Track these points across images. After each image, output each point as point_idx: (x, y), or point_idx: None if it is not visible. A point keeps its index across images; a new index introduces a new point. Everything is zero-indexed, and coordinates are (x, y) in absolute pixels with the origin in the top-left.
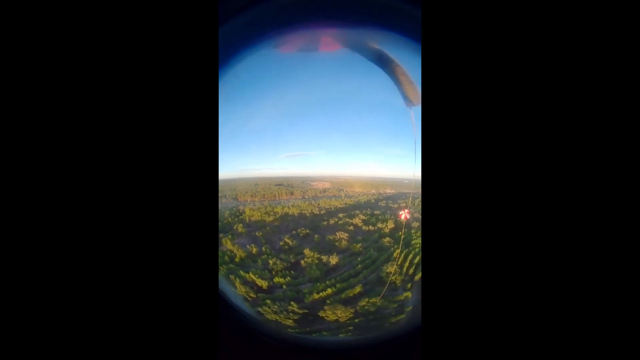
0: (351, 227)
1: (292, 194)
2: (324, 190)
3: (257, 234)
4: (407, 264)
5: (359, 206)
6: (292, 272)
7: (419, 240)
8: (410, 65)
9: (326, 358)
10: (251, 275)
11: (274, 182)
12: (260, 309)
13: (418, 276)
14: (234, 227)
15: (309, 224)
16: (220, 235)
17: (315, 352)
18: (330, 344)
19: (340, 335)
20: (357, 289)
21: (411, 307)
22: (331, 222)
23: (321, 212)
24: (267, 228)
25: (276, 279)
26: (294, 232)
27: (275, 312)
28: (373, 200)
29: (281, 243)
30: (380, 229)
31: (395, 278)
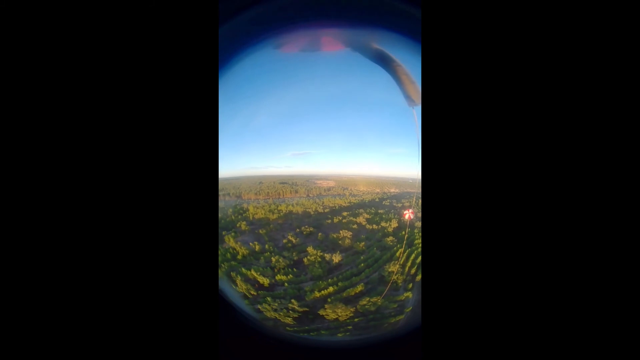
0: (355, 226)
1: (296, 192)
2: (329, 189)
3: (260, 231)
4: (409, 264)
5: (363, 205)
6: (295, 269)
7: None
8: (412, 65)
9: (325, 358)
10: (253, 272)
11: (278, 181)
12: (260, 307)
13: (419, 276)
14: (237, 225)
15: (313, 222)
16: (223, 232)
17: (315, 352)
18: (328, 344)
19: (339, 334)
20: (359, 288)
21: (411, 308)
22: (335, 220)
23: (325, 211)
24: (271, 226)
25: (278, 277)
26: (297, 230)
27: (275, 310)
28: (377, 199)
29: (284, 241)
30: (384, 228)
31: (397, 278)
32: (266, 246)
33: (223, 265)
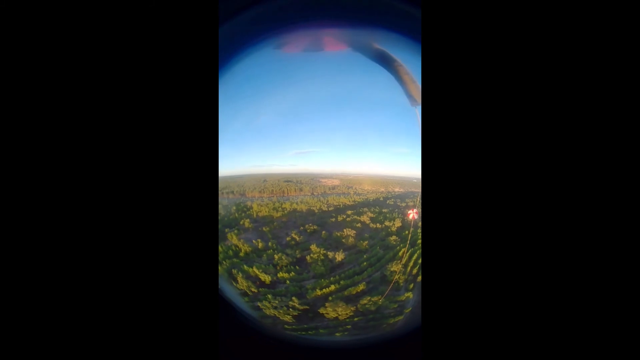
0: (359, 225)
1: (301, 190)
2: (333, 187)
3: (264, 229)
4: (411, 264)
5: (367, 204)
6: (297, 267)
7: None
8: (412, 65)
9: (325, 358)
10: (255, 269)
11: (283, 179)
12: (259, 304)
13: (421, 277)
14: (241, 223)
15: (317, 220)
16: (226, 230)
17: (315, 352)
18: (328, 344)
19: (337, 334)
20: (361, 287)
21: (410, 308)
22: (339, 218)
23: (329, 209)
24: (275, 223)
25: (280, 274)
26: (301, 228)
27: (275, 308)
28: (381, 199)
29: (288, 238)
30: (388, 227)
31: (399, 277)
32: (269, 244)
33: (224, 263)
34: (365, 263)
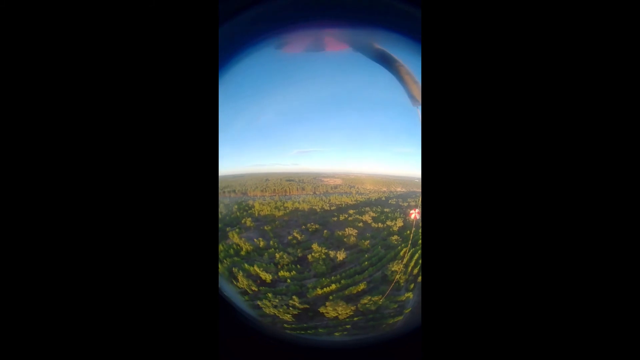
0: (360, 224)
1: (303, 189)
2: (335, 187)
3: (265, 228)
4: (412, 264)
5: (369, 203)
6: (299, 266)
7: None
8: (413, 65)
9: (325, 358)
10: (256, 268)
11: (285, 178)
12: (259, 302)
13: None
14: (242, 222)
15: (319, 219)
16: (227, 228)
17: (315, 352)
18: (329, 344)
19: (336, 334)
20: (361, 286)
21: (410, 309)
22: (341, 218)
23: (332, 208)
24: (277, 222)
25: (281, 273)
26: (303, 227)
27: (275, 306)
28: (384, 198)
29: (289, 237)
30: (389, 226)
31: (400, 277)
32: (271, 242)
33: (225, 261)
34: (366, 262)
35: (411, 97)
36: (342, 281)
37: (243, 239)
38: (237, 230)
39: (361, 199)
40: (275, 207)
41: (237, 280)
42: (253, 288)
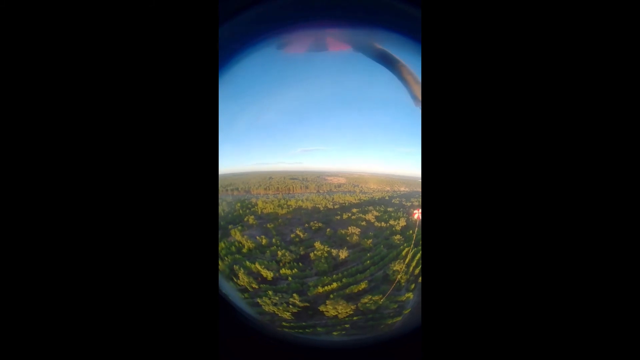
0: (363, 223)
1: (306, 187)
2: (339, 186)
3: (268, 225)
4: (414, 264)
5: (372, 202)
6: (300, 264)
7: None
8: (413, 65)
9: (325, 358)
10: (257, 265)
11: (288, 176)
12: (259, 300)
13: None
14: (245, 219)
15: (322, 217)
16: (230, 226)
17: (315, 352)
18: (329, 344)
19: (334, 333)
20: (362, 285)
21: (409, 309)
22: (344, 216)
23: (335, 207)
24: (280, 220)
25: (283, 271)
26: (306, 225)
27: (275, 304)
28: (387, 197)
29: (292, 235)
30: (392, 226)
31: (401, 277)
32: (273, 240)
33: (227, 259)
34: (368, 261)
35: (413, 97)
36: (344, 280)
37: (245, 236)
38: (239, 227)
39: (365, 198)
40: (279, 205)
41: (238, 278)
42: (253, 285)
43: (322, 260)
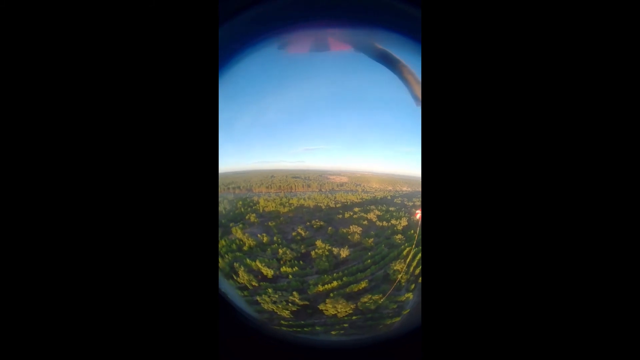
0: (365, 222)
1: (308, 186)
2: (341, 185)
3: (270, 223)
4: (414, 264)
5: (374, 202)
6: (301, 262)
7: None
8: (414, 65)
9: (325, 358)
10: (257, 263)
11: (291, 175)
12: (258, 298)
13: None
14: (247, 217)
15: (324, 216)
16: (231, 224)
17: (315, 352)
18: (329, 344)
19: (333, 332)
20: (363, 284)
21: (408, 310)
22: (346, 215)
23: (337, 206)
24: (281, 218)
25: (283, 269)
26: (308, 223)
27: (274, 302)
28: (389, 197)
29: (294, 234)
30: (394, 225)
31: (401, 277)
32: (274, 238)
33: (227, 256)
34: (369, 260)
35: (414, 97)
36: (344, 278)
37: (246, 234)
38: (240, 225)
39: (367, 197)
40: (280, 204)
41: (238, 276)
42: (253, 283)
43: (323, 259)
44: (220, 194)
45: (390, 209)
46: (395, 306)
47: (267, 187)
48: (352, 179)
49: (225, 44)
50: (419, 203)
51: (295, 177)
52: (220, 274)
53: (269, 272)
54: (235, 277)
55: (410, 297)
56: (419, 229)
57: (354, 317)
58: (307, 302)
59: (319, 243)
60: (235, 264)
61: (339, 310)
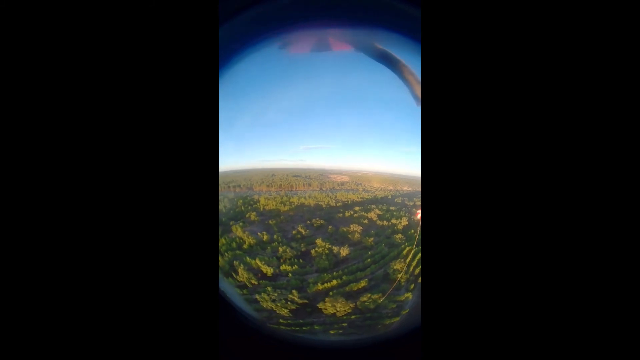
0: (365, 221)
1: (309, 185)
2: (342, 184)
3: (270, 222)
4: (414, 263)
5: (375, 201)
6: (301, 260)
7: None
8: (415, 65)
9: (325, 358)
10: (257, 261)
11: (291, 174)
12: (257, 296)
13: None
14: (247, 216)
15: (325, 215)
16: (231, 222)
17: (315, 352)
18: (329, 344)
19: (331, 331)
20: (362, 284)
21: (407, 310)
22: (346, 214)
23: (337, 205)
24: (282, 217)
25: (283, 267)
26: (308, 222)
27: (273, 300)
28: (390, 196)
29: (294, 232)
30: (394, 225)
31: (401, 276)
32: (274, 236)
33: (227, 254)
34: (369, 260)
35: (415, 97)
36: (344, 277)
37: (247, 232)
38: (240, 224)
39: (367, 197)
40: (281, 202)
41: (237, 274)
42: (253, 282)
43: (323, 257)
44: (220, 192)
45: (391, 208)
46: (394, 306)
47: (268, 186)
48: (353, 178)
49: (225, 44)
50: (419, 203)
51: (296, 176)
52: (219, 272)
53: (268, 270)
54: (234, 276)
55: (410, 297)
56: (419, 229)
57: (353, 317)
58: (306, 301)
59: (319, 242)
60: (235, 262)
61: (338, 309)
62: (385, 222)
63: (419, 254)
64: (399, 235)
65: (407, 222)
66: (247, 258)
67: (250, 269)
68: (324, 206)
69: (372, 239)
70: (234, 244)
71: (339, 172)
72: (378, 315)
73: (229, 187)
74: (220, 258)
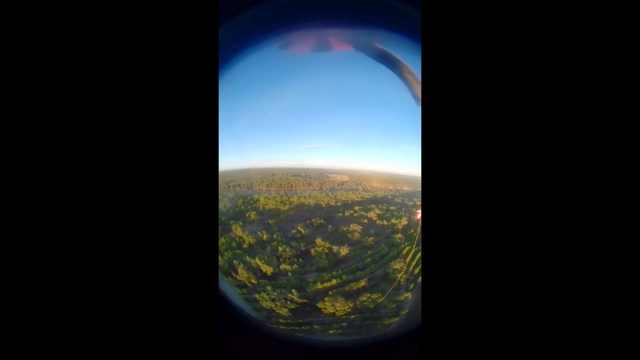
0: (365, 221)
1: (309, 184)
2: (342, 183)
3: (270, 221)
4: (414, 263)
5: (375, 201)
6: (301, 260)
7: None
8: (415, 65)
9: (325, 358)
10: (257, 261)
11: (291, 173)
12: (257, 296)
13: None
14: (247, 215)
15: (324, 214)
16: (231, 222)
17: (315, 352)
18: (329, 344)
19: (330, 331)
20: (362, 283)
21: (407, 310)
22: (346, 214)
23: (337, 204)
24: (281, 216)
25: (282, 266)
26: (308, 221)
27: (273, 300)
28: (390, 196)
29: (294, 231)
30: (394, 224)
31: (401, 276)
32: (274, 236)
33: (227, 254)
34: (369, 259)
35: (415, 97)
36: (344, 277)
37: (246, 232)
38: (240, 223)
39: (367, 196)
40: (281, 202)
41: (237, 273)
42: (252, 281)
43: (323, 257)
44: (220, 191)
45: (391, 208)
46: (394, 306)
47: (268, 185)
48: (353, 177)
49: (225, 44)
50: (419, 202)
51: (296, 176)
52: (219, 271)
53: (268, 269)
54: (234, 275)
55: (409, 296)
56: (419, 229)
57: (352, 316)
58: (305, 300)
59: (318, 241)
60: (234, 261)
61: (338, 308)
62: (385, 221)
63: (419, 254)
64: (399, 235)
65: (407, 222)
66: (247, 257)
67: (249, 268)
68: (323, 206)
69: (371, 238)
70: (233, 243)
71: (339, 172)
72: (377, 315)
73: (229, 186)
74: (220, 257)
